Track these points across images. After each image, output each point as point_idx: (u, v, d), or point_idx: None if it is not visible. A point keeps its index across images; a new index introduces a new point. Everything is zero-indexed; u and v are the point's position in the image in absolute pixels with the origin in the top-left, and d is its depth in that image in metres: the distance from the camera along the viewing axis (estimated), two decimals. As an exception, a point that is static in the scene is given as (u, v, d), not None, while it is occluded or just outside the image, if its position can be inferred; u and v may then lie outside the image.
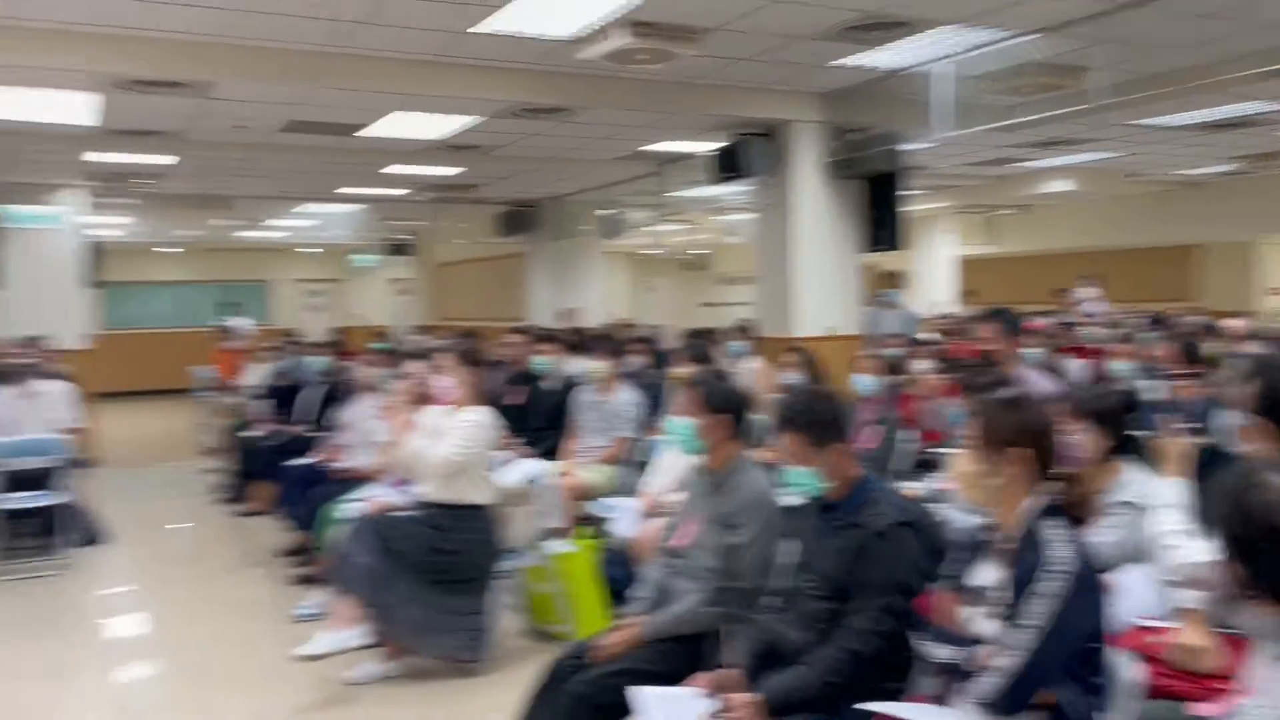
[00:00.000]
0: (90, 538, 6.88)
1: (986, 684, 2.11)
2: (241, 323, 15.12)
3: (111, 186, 10.90)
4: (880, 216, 8.14)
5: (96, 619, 5.57)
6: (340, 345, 9.48)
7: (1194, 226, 14.17)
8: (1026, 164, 11.85)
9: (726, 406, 3.16)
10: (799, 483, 2.75)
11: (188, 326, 17.36)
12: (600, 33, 5.87)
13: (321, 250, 20.54)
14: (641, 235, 15.74)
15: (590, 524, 5.44)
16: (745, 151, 7.94)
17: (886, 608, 2.44)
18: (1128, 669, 2.32)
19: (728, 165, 8.13)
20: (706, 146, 8.73)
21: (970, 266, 17.50)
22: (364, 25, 5.73)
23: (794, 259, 8.07)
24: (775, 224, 8.26)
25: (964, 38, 6.31)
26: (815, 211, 8.12)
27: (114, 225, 14.90)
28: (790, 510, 2.90)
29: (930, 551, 2.55)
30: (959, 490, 2.50)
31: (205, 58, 6.11)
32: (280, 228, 16.70)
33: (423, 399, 5.13)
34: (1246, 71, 6.15)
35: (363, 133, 8.35)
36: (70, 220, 10.83)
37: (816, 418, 2.74)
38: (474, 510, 4.39)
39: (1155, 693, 2.36)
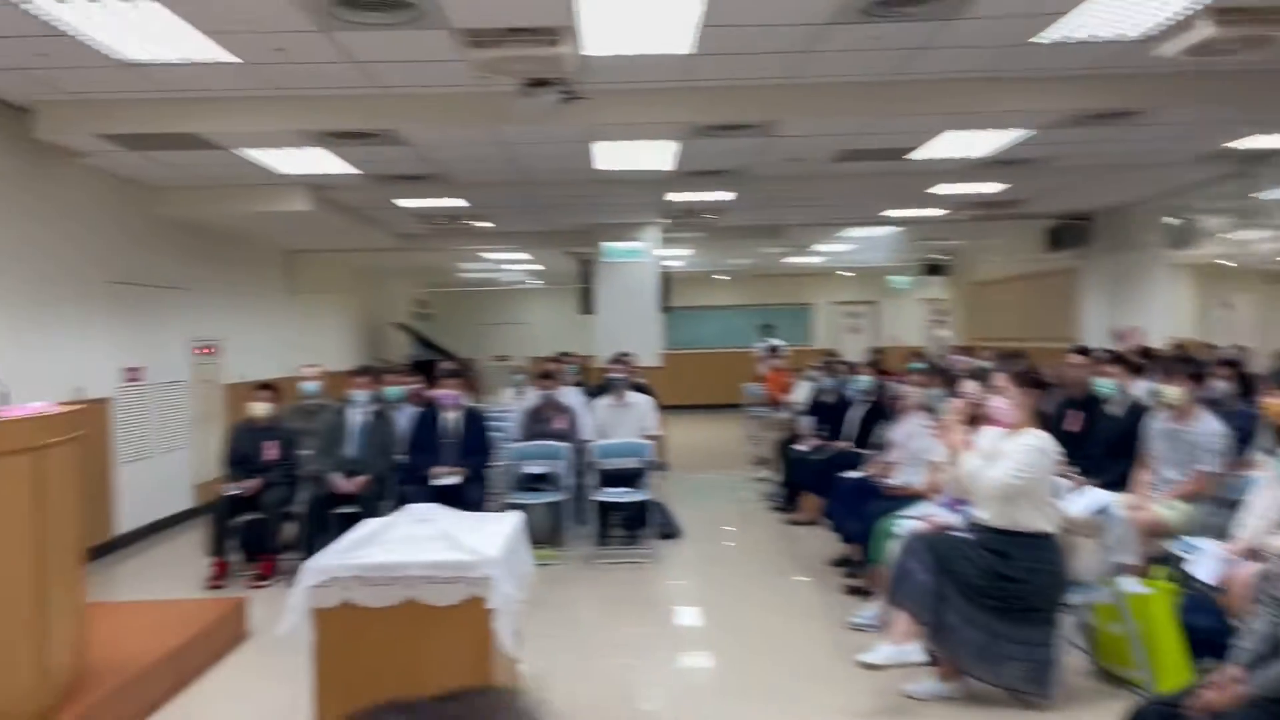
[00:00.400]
0: (668, 532, 7.79)
1: None
2: (781, 343, 16.13)
3: (681, 222, 12.27)
4: None
5: (669, 605, 6.29)
6: (880, 365, 9.68)
7: None
8: None
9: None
10: None
11: (737, 347, 18.84)
12: (1180, 26, 5.35)
13: (856, 273, 21.11)
14: (1216, 244, 13.90)
15: (1166, 564, 4.96)
16: (1367, 141, 6.68)
17: None
18: None
19: (1341, 159, 6.90)
20: (1310, 139, 7.50)
21: None
22: (922, 51, 5.82)
23: None
24: None
25: None
26: None
27: (679, 256, 16.74)
28: None
29: None
30: None
31: (772, 100, 6.63)
32: (822, 252, 17.49)
33: (977, 419, 5.07)
34: None
35: (912, 155, 8.46)
36: (649, 253, 12.39)
37: None
38: (1038, 538, 4.22)
39: None
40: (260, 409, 7.20)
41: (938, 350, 14.29)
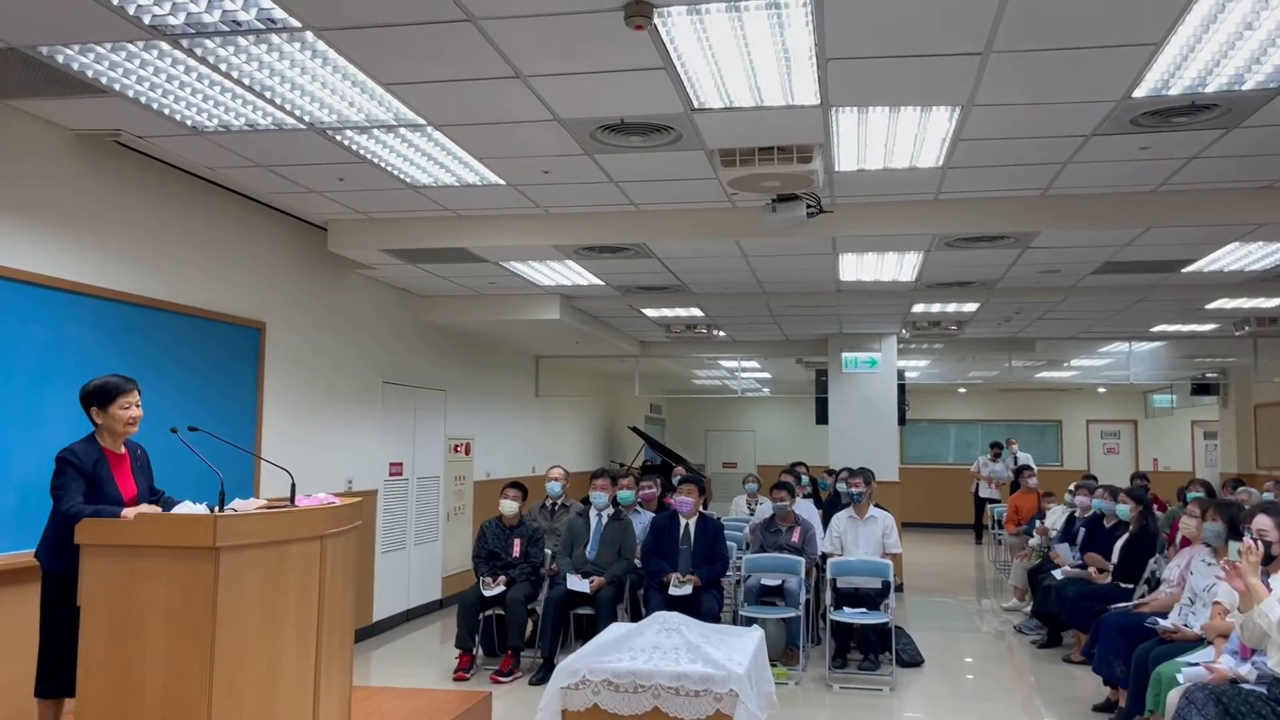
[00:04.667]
0: (909, 660, 7.40)
1: None
2: (1027, 458, 15.24)
3: (920, 334, 11.98)
4: None
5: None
6: (1146, 491, 8.92)
7: None
8: None
9: None
10: None
11: (970, 464, 17.97)
12: None
13: (1113, 390, 19.77)
14: None
15: None
16: None
17: None
18: None
19: None
20: None
21: None
22: (1200, 160, 5.50)
23: None
24: None
25: None
26: None
27: (917, 368, 16.30)
28: None
29: None
30: None
31: (1022, 212, 6.43)
32: (1075, 367, 16.53)
33: (1271, 559, 4.56)
34: None
35: (1190, 268, 7.93)
36: (887, 364, 12.15)
37: None
38: (1352, 701, 3.70)
39: None
40: (509, 507, 7.53)
41: (1214, 477, 13.02)
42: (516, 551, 7.41)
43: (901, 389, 12.60)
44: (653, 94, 4.56)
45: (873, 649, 7.24)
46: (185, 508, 3.81)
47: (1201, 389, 16.13)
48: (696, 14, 3.71)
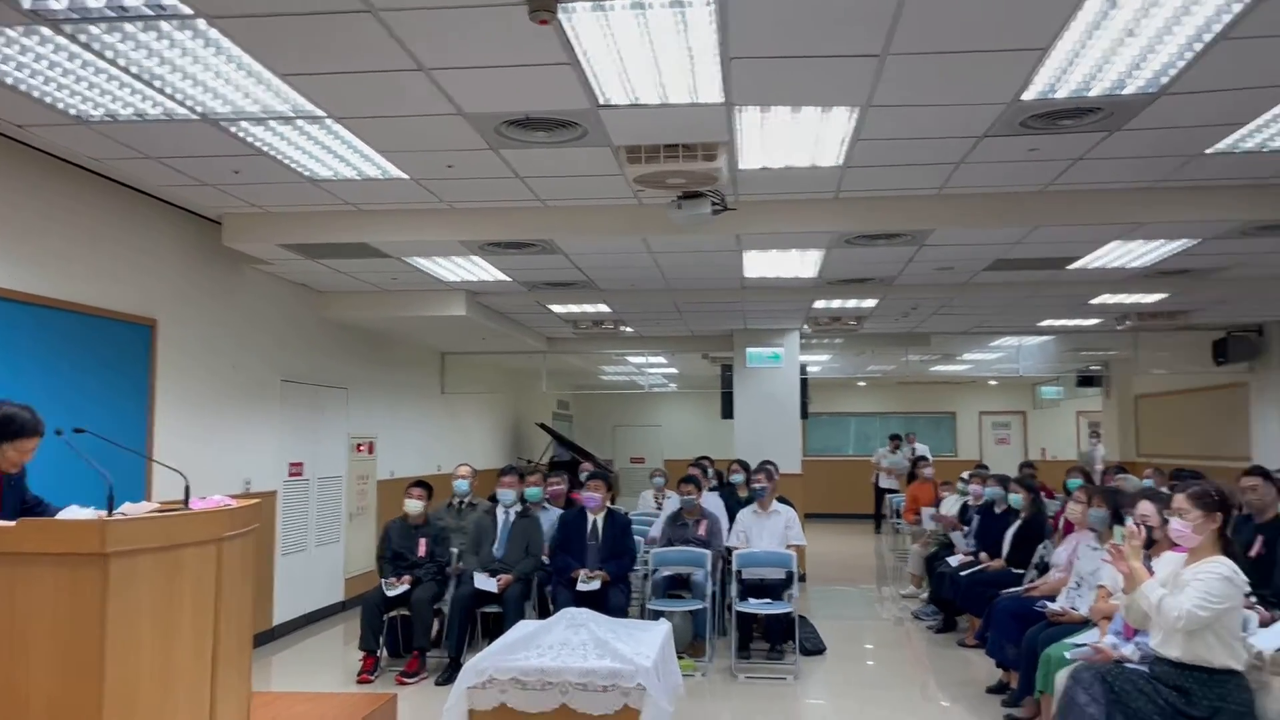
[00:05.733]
0: (811, 648, 7.55)
1: None
2: (924, 450, 15.71)
3: (821, 329, 12.22)
4: None
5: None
6: (1034, 479, 9.27)
7: None
8: None
9: None
10: None
11: (871, 455, 18.41)
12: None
13: (1004, 382, 20.49)
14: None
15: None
16: None
17: None
18: None
19: None
20: None
21: None
22: (1087, 161, 5.73)
23: None
24: None
25: None
26: None
27: (819, 363, 16.63)
28: None
29: None
30: None
31: (921, 210, 6.62)
32: (968, 361, 17.08)
33: (1153, 543, 4.79)
34: None
35: (1075, 265, 8.27)
36: (790, 359, 12.36)
37: None
38: (1223, 675, 3.91)
39: None
40: (414, 506, 7.42)
41: (1093, 465, 13.61)
42: (422, 551, 7.31)
43: (804, 383, 12.82)
44: (558, 89, 4.54)
45: (777, 639, 7.37)
46: (71, 513, 3.65)
47: (1086, 381, 16.84)
48: (601, 10, 3.71)
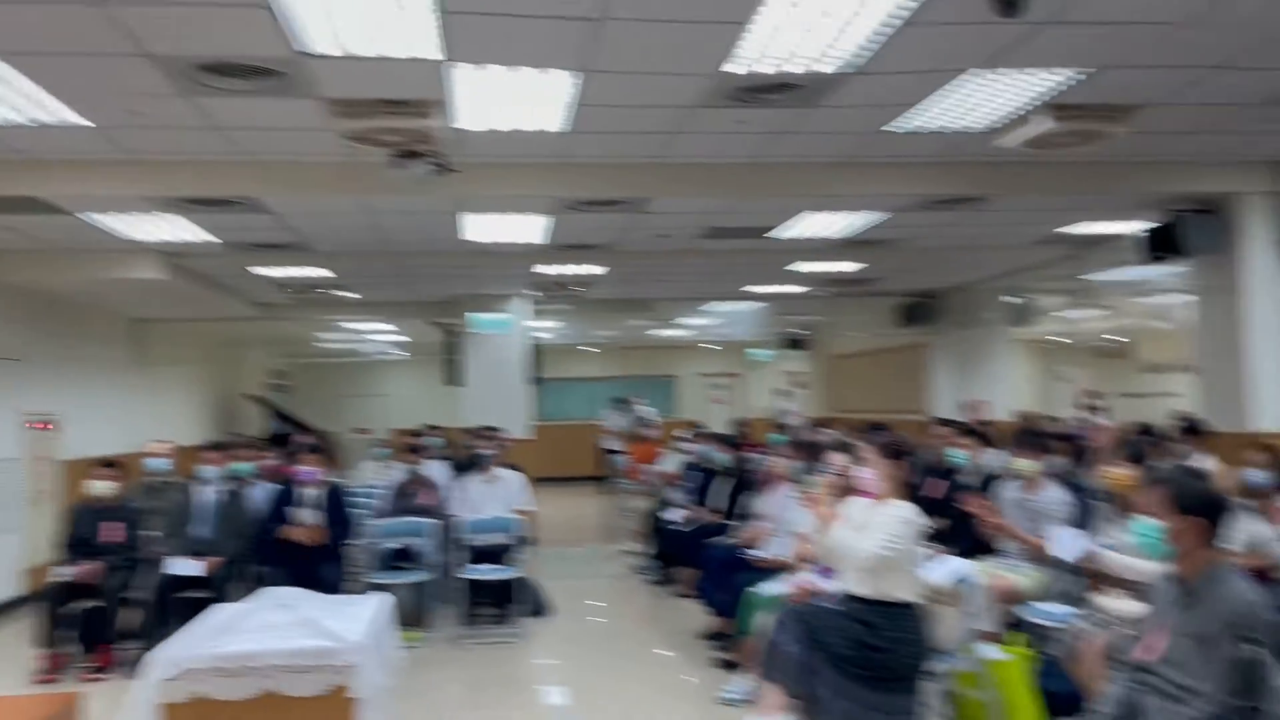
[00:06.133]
0: (537, 609, 7.63)
1: None
2: (648, 413, 16.26)
3: (551, 295, 12.31)
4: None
5: (536, 685, 6.13)
6: (744, 436, 9.83)
7: None
8: None
9: (1201, 508, 2.89)
10: (1145, 536, 2.46)
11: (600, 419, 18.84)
12: (1019, 120, 5.76)
13: (721, 346, 21.58)
14: (1052, 322, 14.84)
15: (1022, 629, 5.14)
16: (1183, 229, 7.30)
17: None
18: None
19: (1161, 245, 7.51)
20: (1133, 226, 8.15)
21: None
22: (788, 135, 6.06)
23: (1246, 344, 7.21)
24: (1222, 307, 7.45)
25: None
26: (1270, 291, 7.24)
27: (549, 328, 16.76)
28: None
29: None
30: None
31: (641, 178, 6.78)
32: (687, 326, 17.82)
33: (844, 490, 5.19)
34: None
35: (773, 234, 8.75)
36: (518, 325, 12.35)
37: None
38: (902, 608, 4.32)
39: None
40: (102, 488, 6.76)
41: (786, 420, 14.58)
42: (115, 536, 6.68)
43: (534, 349, 12.88)
44: (253, 34, 4.22)
45: (503, 603, 7.38)
46: None
47: (792, 343, 18.04)
48: (301, -50, 3.48)
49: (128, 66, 4.57)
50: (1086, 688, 3.79)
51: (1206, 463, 6.30)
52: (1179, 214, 7.38)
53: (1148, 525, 2.95)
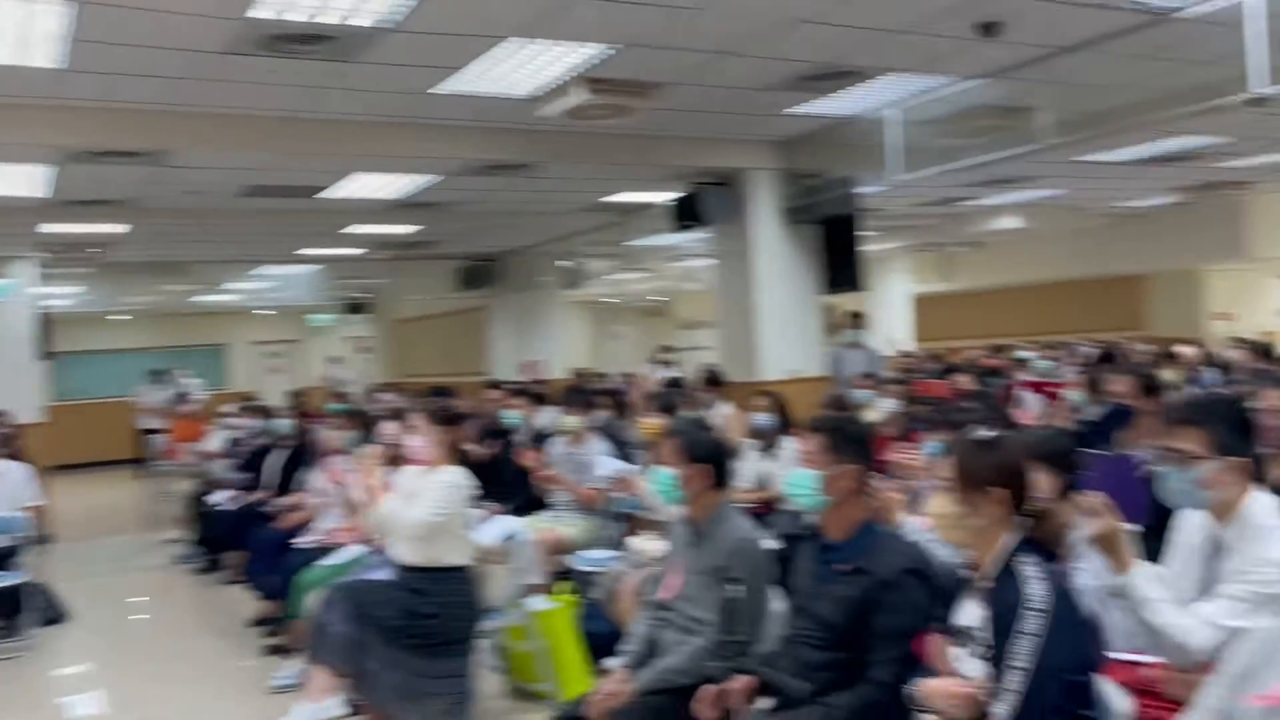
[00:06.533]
0: (51, 617, 6.70)
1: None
2: (192, 386, 14.94)
3: (63, 257, 10.76)
4: (838, 258, 8.27)
5: (58, 699, 5.41)
6: (302, 407, 9.37)
7: (1141, 257, 14.55)
8: (976, 202, 12.12)
9: (707, 456, 3.18)
10: (799, 489, 2.77)
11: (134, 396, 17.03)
12: (558, 91, 5.96)
13: (277, 311, 20.38)
14: (602, 284, 15.84)
15: (569, 579, 5.42)
16: (703, 200, 8.06)
17: (902, 658, 2.43)
18: (1118, 701, 2.34)
19: (686, 214, 8.24)
20: (666, 196, 8.86)
21: (925, 304, 17.79)
22: (329, 90, 5.76)
23: (755, 304, 8.16)
24: (735, 270, 8.36)
25: (913, 84, 6.48)
26: (774, 256, 8.23)
27: (66, 295, 14.70)
28: (783, 553, 2.91)
29: (936, 596, 2.55)
30: (938, 531, 2.50)
31: (160, 127, 6.10)
32: (238, 291, 16.57)
33: (395, 459, 5.10)
34: (1180, 109, 6.37)
35: (324, 194, 8.35)
36: (22, 292, 10.66)
37: (852, 434, 2.82)
38: (452, 572, 4.33)
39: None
40: None
41: (343, 389, 14.14)
42: None
43: (47, 319, 11.19)
44: None
45: (9, 613, 6.38)
46: None
47: (354, 308, 17.53)
48: None
49: None
50: (624, 627, 4.06)
51: (724, 410, 7.05)
52: (700, 186, 8.14)
53: (664, 473, 3.19)
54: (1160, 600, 2.45)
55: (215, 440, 9.75)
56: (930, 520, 2.54)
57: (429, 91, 5.91)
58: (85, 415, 17.01)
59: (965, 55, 5.87)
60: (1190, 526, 2.67)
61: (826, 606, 2.65)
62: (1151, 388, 4.31)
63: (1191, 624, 2.41)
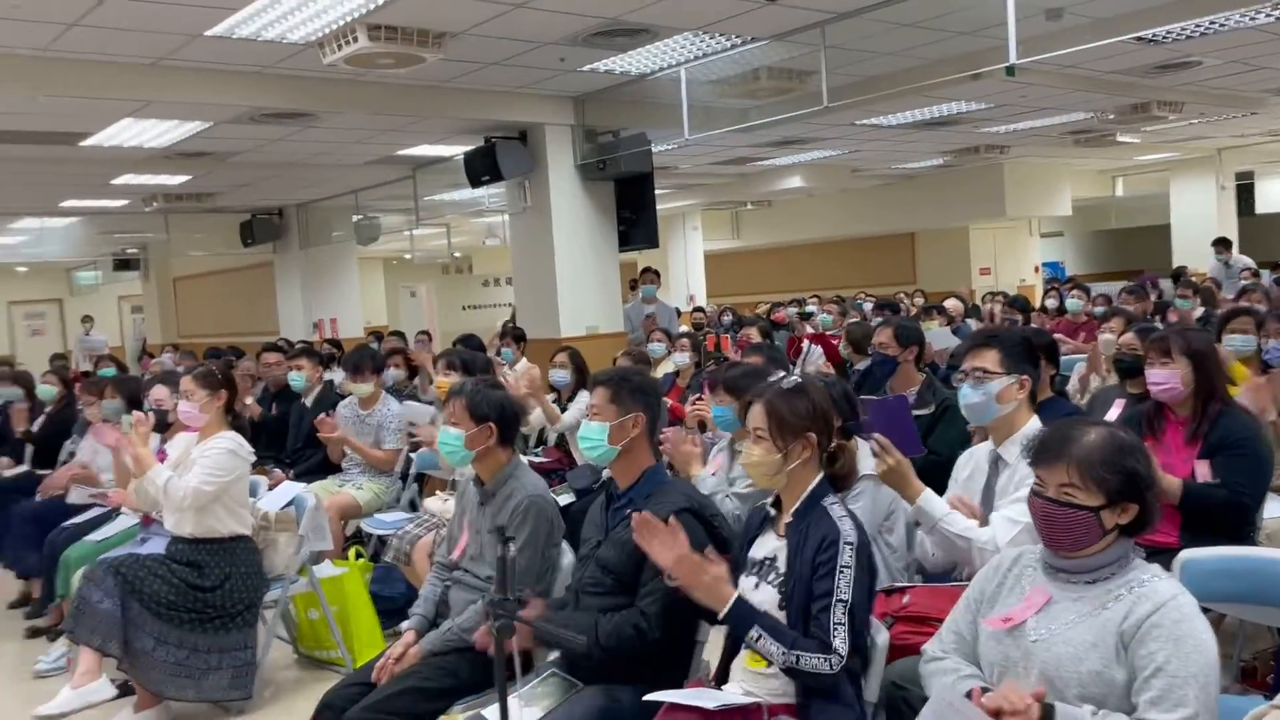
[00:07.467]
0: None
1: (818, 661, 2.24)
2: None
3: None
4: (633, 215, 8.37)
5: None
6: (66, 371, 8.65)
7: (913, 216, 15.51)
8: (764, 162, 12.54)
9: (493, 414, 3.16)
10: (589, 441, 2.81)
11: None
12: (339, 36, 5.69)
13: (33, 269, 18.66)
14: (399, 240, 15.38)
15: (360, 542, 5.29)
16: (499, 154, 7.94)
17: (670, 593, 2.50)
18: (879, 634, 2.51)
19: (482, 168, 8.10)
20: (461, 150, 8.66)
21: (716, 261, 18.31)
22: (80, 28, 5.26)
23: (554, 260, 8.15)
24: (533, 226, 8.32)
25: (704, 44, 6.59)
26: (572, 212, 8.24)
27: None
28: (574, 507, 2.93)
29: (714, 539, 2.64)
30: (753, 478, 2.59)
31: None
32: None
33: (167, 426, 4.80)
34: (948, 76, 6.80)
35: (89, 141, 7.68)
36: None
37: (636, 385, 2.87)
38: (232, 542, 4.15)
39: (898, 652, 2.57)
40: None
41: (96, 351, 13.15)
42: None
43: None
44: None
45: None
46: None
47: (123, 264, 16.30)
48: None
49: None
50: (417, 588, 4.00)
51: (520, 366, 7.02)
52: (495, 139, 8.01)
53: (451, 432, 3.14)
54: (952, 512, 2.79)
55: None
56: (744, 468, 2.63)
57: (204, 34, 5.51)
58: None
59: (749, 15, 6.02)
60: (973, 457, 3.10)
61: (610, 552, 2.71)
62: (908, 340, 4.62)
63: (982, 528, 2.76)
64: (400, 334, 10.28)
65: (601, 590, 2.70)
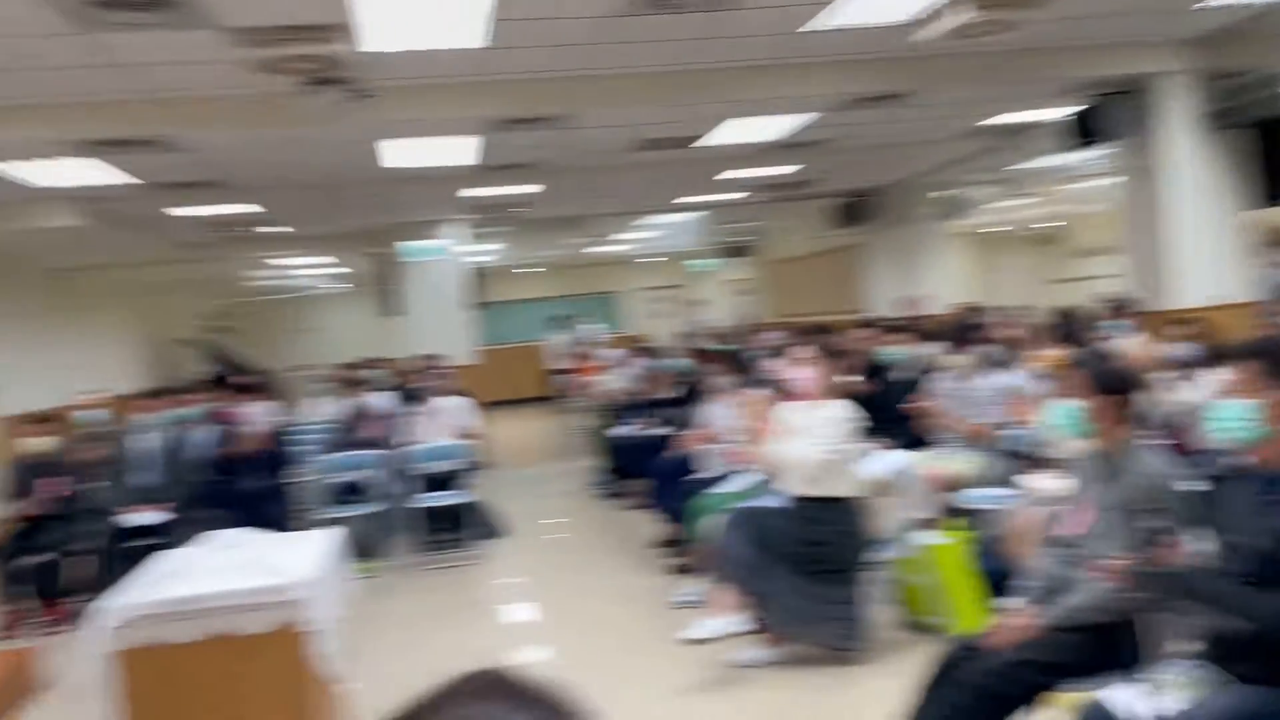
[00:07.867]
0: (492, 532, 7.71)
1: None
2: (593, 331, 16.26)
3: (490, 217, 12.12)
4: (1273, 167, 7.22)
5: (494, 604, 6.23)
6: (696, 348, 9.89)
7: None
8: None
9: (1117, 387, 2.98)
10: (1229, 421, 2.55)
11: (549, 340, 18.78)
12: (938, 12, 5.71)
13: (665, 259, 21.52)
14: (986, 214, 15.01)
15: (960, 515, 5.32)
16: (1105, 113, 7.37)
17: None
18: None
19: (1085, 130, 7.59)
20: (1056, 113, 8.20)
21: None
22: (702, 41, 5.97)
23: (1169, 223, 7.37)
24: (1144, 187, 7.59)
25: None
26: (1191, 169, 7.37)
27: (490, 250, 16.58)
28: (1209, 494, 2.68)
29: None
30: None
31: (566, 92, 6.65)
32: (627, 241, 17.72)
33: (782, 395, 5.28)
34: None
35: (700, 143, 8.69)
36: (453, 250, 12.19)
37: None
38: (842, 503, 4.44)
39: None
40: (38, 443, 6.64)
41: (739, 331, 14.67)
42: (55, 490, 6.58)
43: (480, 273, 12.76)
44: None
45: (457, 528, 7.44)
46: None
47: (735, 251, 18.07)
48: None
49: (19, 6, 4.35)
50: (1019, 565, 3.94)
51: (1135, 340, 6.48)
52: (1101, 98, 7.44)
53: (1069, 406, 3.04)
54: None
55: (615, 379, 10.60)
56: None
57: (798, 30, 5.92)
58: (506, 358, 19.14)
59: None
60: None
61: (1267, 540, 2.42)
62: None
63: None
64: (987, 309, 10.07)
65: (1254, 580, 2.42)
